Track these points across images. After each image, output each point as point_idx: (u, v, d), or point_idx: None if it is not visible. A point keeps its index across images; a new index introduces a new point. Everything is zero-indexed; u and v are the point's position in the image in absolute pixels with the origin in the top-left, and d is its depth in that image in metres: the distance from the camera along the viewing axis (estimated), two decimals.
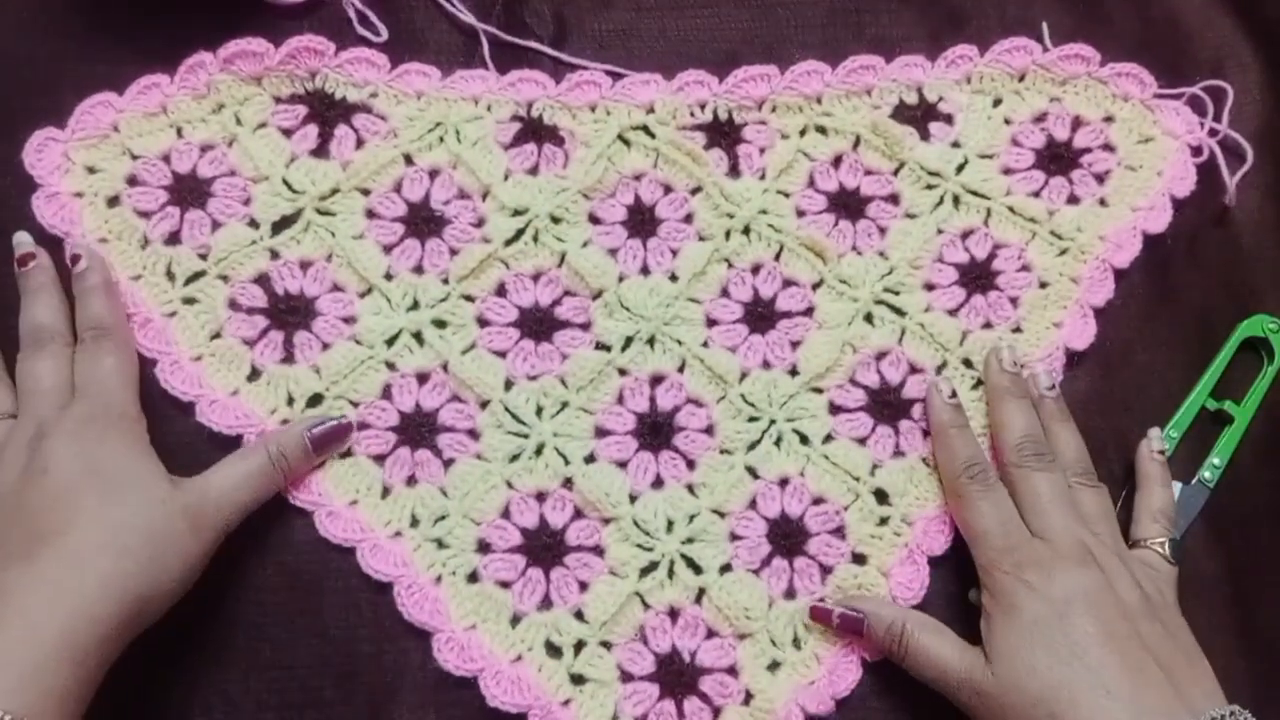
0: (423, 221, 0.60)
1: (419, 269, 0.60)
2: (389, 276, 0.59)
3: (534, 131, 0.62)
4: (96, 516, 0.49)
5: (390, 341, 0.59)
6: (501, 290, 0.60)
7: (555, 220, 0.60)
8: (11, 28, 0.62)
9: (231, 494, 0.53)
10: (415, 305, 0.59)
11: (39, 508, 0.49)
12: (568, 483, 0.57)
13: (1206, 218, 0.63)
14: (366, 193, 0.60)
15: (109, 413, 0.53)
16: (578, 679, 0.55)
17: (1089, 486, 0.56)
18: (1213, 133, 0.63)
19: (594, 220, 0.61)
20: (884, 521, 0.58)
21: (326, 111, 0.61)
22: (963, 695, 0.51)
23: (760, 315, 0.60)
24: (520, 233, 0.60)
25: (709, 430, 0.58)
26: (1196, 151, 0.63)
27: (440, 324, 0.59)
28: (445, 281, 0.59)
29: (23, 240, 0.58)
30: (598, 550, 0.56)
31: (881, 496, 0.58)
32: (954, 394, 0.58)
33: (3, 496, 0.50)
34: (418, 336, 0.59)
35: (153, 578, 0.49)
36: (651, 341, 0.59)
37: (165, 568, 0.50)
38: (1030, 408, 0.57)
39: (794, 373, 0.59)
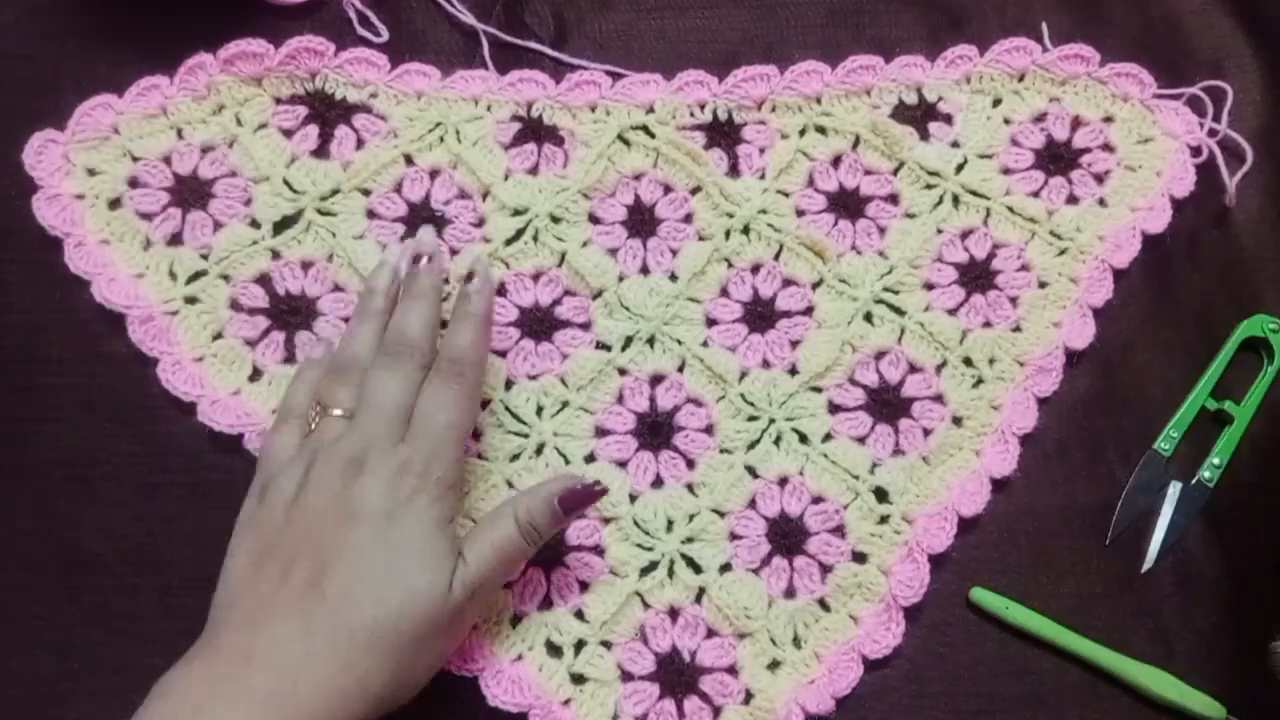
0: (423, 221, 0.60)
1: None
2: None
3: (534, 131, 0.62)
4: (377, 601, 0.47)
5: None
6: (502, 290, 0.60)
7: (555, 220, 0.61)
8: (11, 28, 0.62)
9: (489, 580, 0.51)
10: None
11: (331, 557, 0.47)
12: None
13: (1206, 218, 0.63)
14: (367, 193, 0.61)
15: (429, 471, 0.50)
16: (578, 678, 0.55)
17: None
18: (1212, 133, 0.63)
19: (594, 220, 0.61)
20: (884, 520, 0.57)
21: (327, 112, 0.61)
22: None
23: (760, 315, 0.60)
24: (520, 232, 0.60)
25: (709, 430, 0.58)
26: (1196, 152, 0.63)
27: (440, 324, 0.59)
28: (446, 281, 0.59)
29: (426, 240, 0.56)
30: (598, 550, 0.56)
31: (881, 495, 0.58)
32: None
33: (304, 514, 0.49)
34: None
35: (405, 679, 0.48)
36: (651, 341, 0.59)
37: (419, 669, 0.49)
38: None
39: (793, 372, 0.59)
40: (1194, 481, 0.59)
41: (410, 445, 0.50)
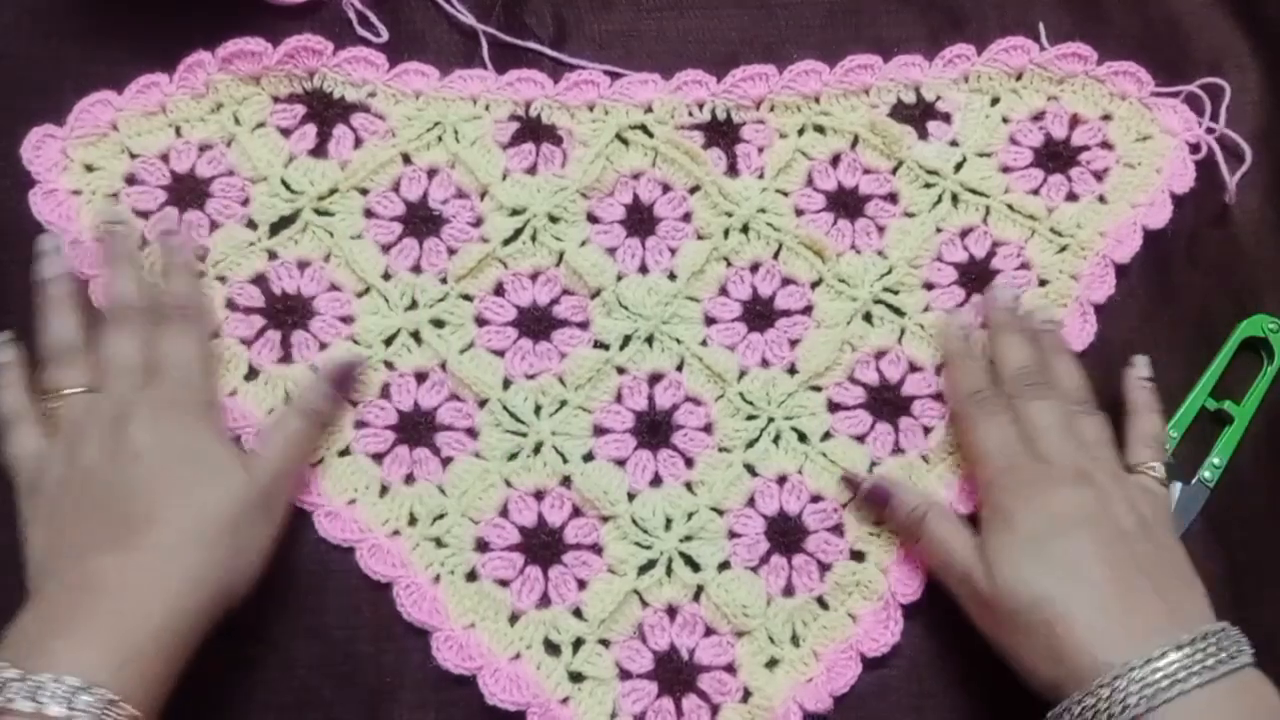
0: (421, 221, 0.60)
1: (417, 268, 0.60)
2: (387, 276, 0.60)
3: (532, 131, 0.62)
4: (184, 506, 0.50)
5: (388, 341, 0.59)
6: (500, 289, 0.60)
7: (553, 219, 0.61)
8: (11, 28, 0.62)
9: (287, 466, 0.54)
10: (413, 305, 0.59)
11: (128, 493, 0.49)
12: (566, 481, 0.57)
13: (1206, 217, 0.63)
14: (365, 192, 0.61)
15: (191, 398, 0.53)
16: (576, 677, 0.55)
17: (1087, 415, 0.56)
18: (1210, 131, 0.63)
19: (592, 219, 0.61)
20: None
21: (325, 111, 0.61)
22: (963, 590, 0.52)
23: (759, 314, 0.60)
24: (518, 232, 0.60)
25: (707, 428, 0.58)
26: (1194, 149, 0.63)
27: (438, 323, 0.59)
28: (443, 281, 0.59)
29: (107, 209, 0.59)
30: (596, 548, 0.56)
31: None
32: (965, 326, 0.59)
33: (89, 473, 0.50)
34: (416, 336, 0.59)
35: (236, 567, 0.50)
36: (650, 340, 0.59)
37: (247, 556, 0.51)
38: (1027, 341, 0.57)
39: (793, 371, 0.59)
40: (1194, 481, 0.59)
41: (162, 386, 0.53)
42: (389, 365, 0.58)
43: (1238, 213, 0.63)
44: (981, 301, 0.60)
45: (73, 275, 0.57)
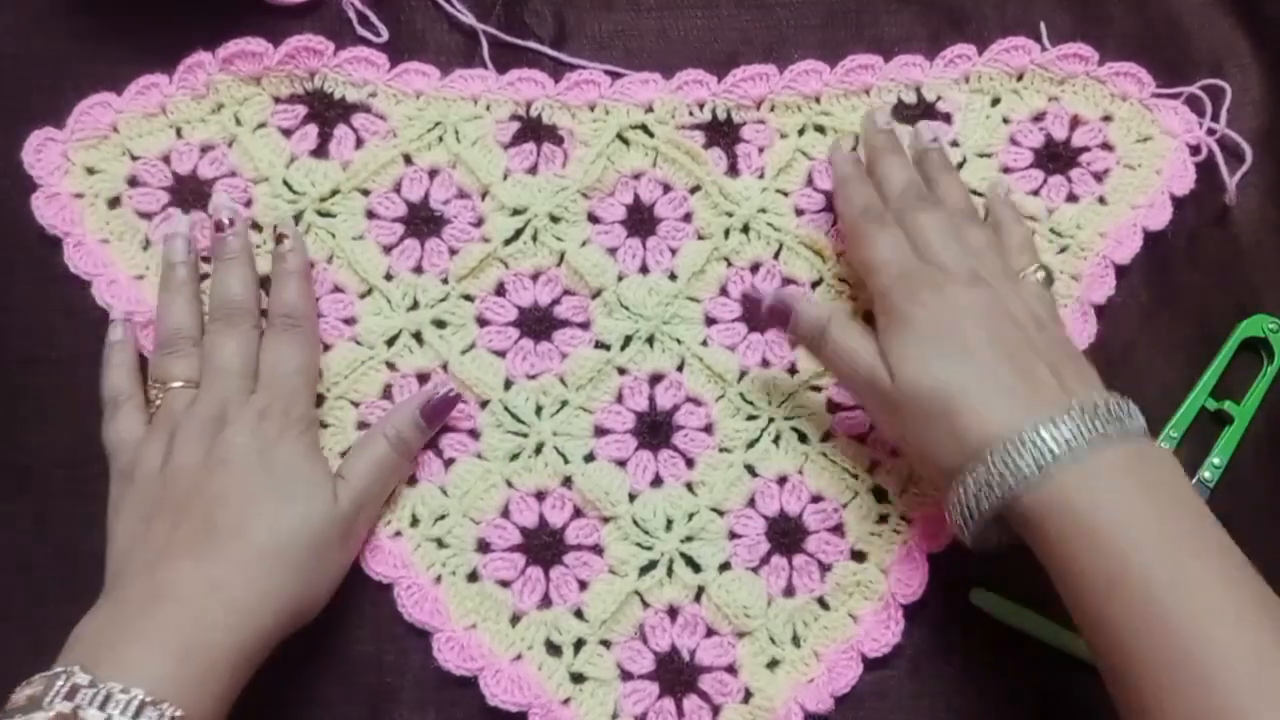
0: (422, 222, 0.60)
1: (419, 269, 0.60)
2: (389, 277, 0.60)
3: (533, 131, 0.62)
4: (270, 524, 0.49)
5: (390, 342, 0.59)
6: (501, 290, 0.60)
7: (554, 219, 0.61)
8: (11, 28, 0.62)
9: (370, 493, 0.54)
10: (415, 305, 0.59)
11: (216, 500, 0.49)
12: (567, 481, 0.57)
13: (1206, 217, 0.63)
14: (366, 193, 0.61)
15: (289, 411, 0.53)
16: (577, 677, 0.55)
17: (974, 224, 0.56)
18: (1211, 132, 0.63)
19: (593, 219, 0.61)
20: (883, 519, 0.57)
21: (326, 111, 0.61)
22: (869, 395, 0.53)
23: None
24: (519, 232, 0.60)
25: (708, 429, 0.58)
26: (1195, 151, 0.63)
27: (440, 324, 0.59)
28: (445, 281, 0.59)
29: (222, 204, 0.58)
30: (597, 549, 0.56)
31: (880, 494, 0.58)
32: (855, 145, 0.60)
33: (180, 473, 0.51)
34: (418, 336, 0.59)
35: (310, 592, 0.51)
36: (651, 340, 0.59)
37: (322, 581, 0.52)
38: (908, 162, 0.58)
39: (793, 371, 0.59)
40: (1194, 481, 0.59)
41: (264, 395, 0.53)
42: (391, 366, 0.58)
43: (1238, 213, 0.63)
44: (861, 125, 0.61)
45: (196, 261, 0.58)
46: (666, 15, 0.65)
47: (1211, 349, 0.61)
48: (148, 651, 0.45)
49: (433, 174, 0.61)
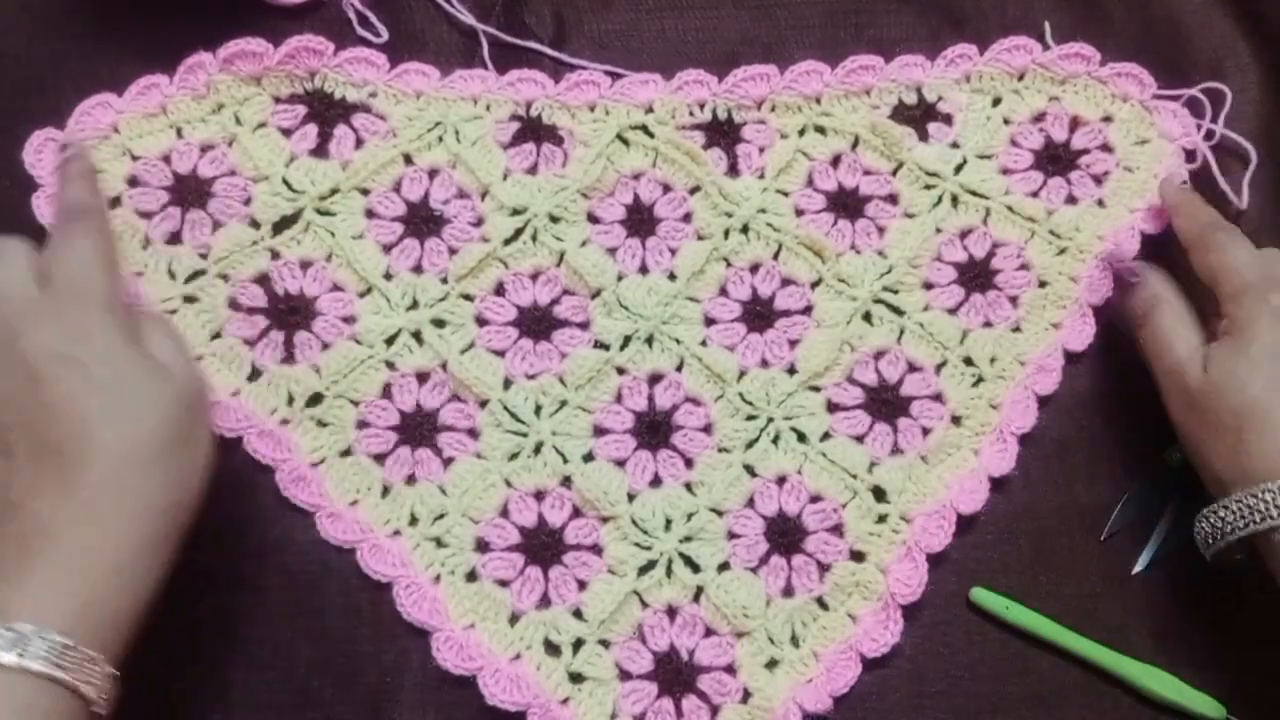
0: (422, 221, 0.60)
1: (418, 268, 0.60)
2: (388, 276, 0.60)
3: (533, 131, 0.62)
4: (115, 431, 0.46)
5: (390, 341, 0.59)
6: (500, 289, 0.60)
7: (554, 219, 0.60)
8: (11, 28, 0.62)
9: (190, 356, 0.51)
10: (414, 305, 0.59)
11: (44, 421, 0.46)
12: (566, 481, 0.57)
13: None
14: (366, 192, 0.61)
15: (86, 300, 0.48)
16: (576, 677, 0.55)
17: None
18: (1210, 134, 0.63)
19: (593, 219, 0.61)
20: (882, 519, 0.57)
21: (326, 111, 0.61)
22: (1168, 381, 0.55)
23: (759, 314, 0.60)
24: (519, 232, 0.60)
25: (707, 429, 0.58)
26: (1191, 156, 0.63)
27: (439, 323, 0.59)
28: (444, 281, 0.59)
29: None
30: (596, 549, 0.57)
31: (879, 494, 0.58)
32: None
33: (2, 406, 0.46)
34: (417, 336, 0.59)
35: (182, 482, 0.47)
36: (650, 340, 0.59)
37: (190, 468, 0.48)
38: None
39: (792, 371, 0.59)
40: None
41: (51, 289, 0.48)
42: (390, 365, 0.58)
43: (1235, 216, 0.63)
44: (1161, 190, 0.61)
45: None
46: (666, 15, 0.65)
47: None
48: (29, 590, 0.43)
49: (432, 174, 0.61)
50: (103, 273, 0.49)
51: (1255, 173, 0.63)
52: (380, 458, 0.58)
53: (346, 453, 0.57)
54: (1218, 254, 0.55)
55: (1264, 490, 0.48)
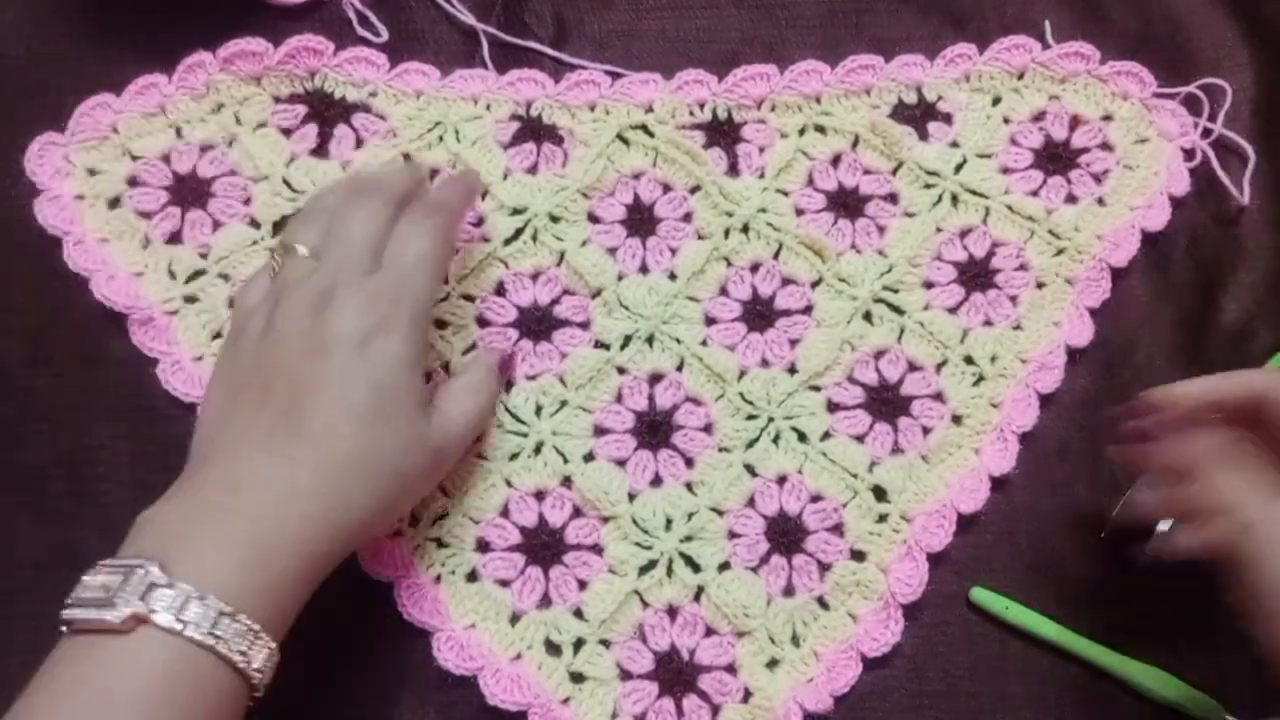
0: None
1: None
2: None
3: (533, 131, 0.62)
4: (360, 437, 0.46)
5: None
6: (501, 290, 0.60)
7: (554, 219, 0.60)
8: (11, 28, 0.63)
9: (469, 431, 0.53)
10: None
11: (307, 390, 0.46)
12: (567, 481, 0.57)
13: (1207, 217, 0.63)
14: None
15: (401, 299, 0.49)
16: (577, 677, 0.55)
17: None
18: (1208, 132, 0.63)
19: (593, 219, 0.61)
20: (883, 519, 0.57)
21: (326, 111, 0.61)
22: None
23: (759, 314, 0.60)
24: (519, 232, 0.60)
25: (707, 428, 0.58)
26: (1189, 155, 0.63)
27: (441, 324, 0.59)
28: (445, 281, 0.59)
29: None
30: (596, 549, 0.56)
31: (880, 494, 0.58)
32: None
33: (274, 347, 0.48)
34: None
35: (381, 517, 0.49)
36: (650, 340, 0.59)
37: (396, 508, 0.50)
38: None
39: (793, 371, 0.59)
40: None
41: (380, 276, 0.49)
42: None
43: (1237, 212, 0.63)
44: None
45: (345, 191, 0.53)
46: (666, 15, 0.65)
47: (1211, 349, 0.61)
48: (220, 552, 0.43)
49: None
50: (428, 279, 0.50)
51: (1254, 172, 0.63)
52: None
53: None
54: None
55: None
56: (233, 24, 0.61)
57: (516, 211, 0.60)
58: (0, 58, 0.62)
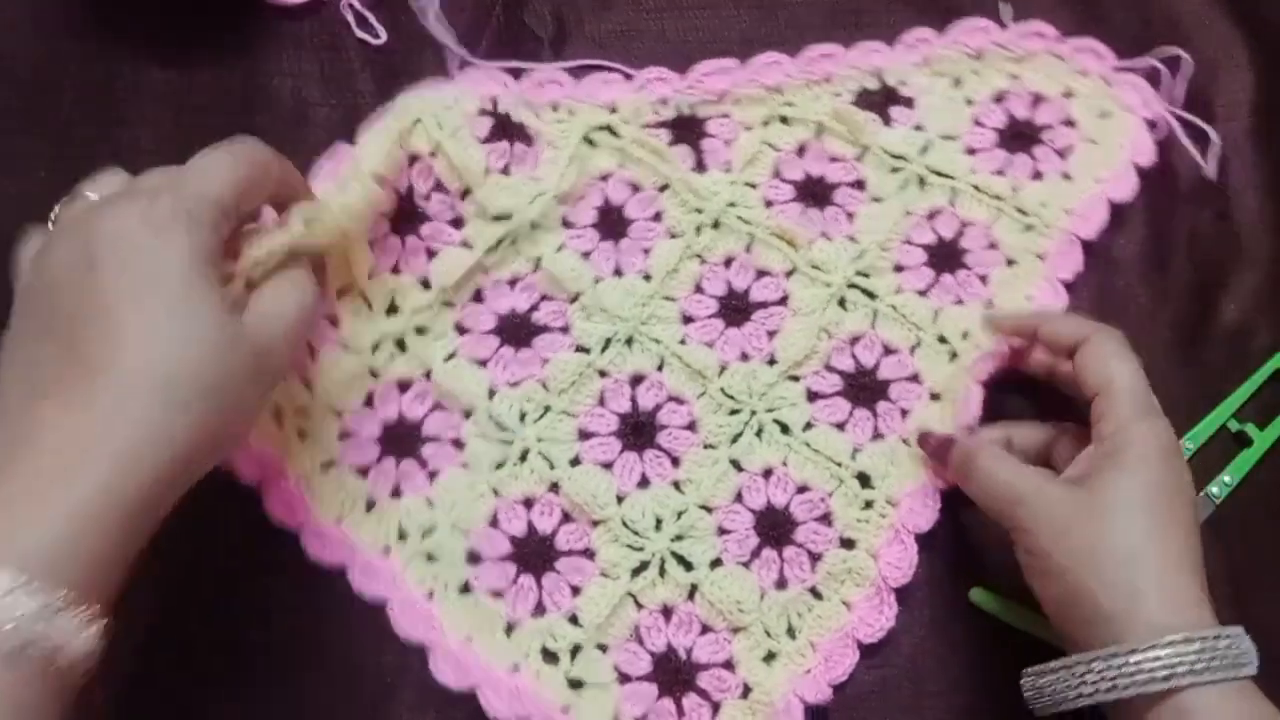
0: (406, 220, 0.59)
1: (396, 269, 0.59)
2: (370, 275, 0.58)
3: (504, 128, 0.61)
4: (149, 352, 0.40)
5: (373, 348, 0.58)
6: (479, 296, 0.60)
7: (533, 226, 0.60)
8: (11, 28, 0.62)
9: (293, 332, 0.46)
10: (394, 309, 0.58)
11: (84, 313, 0.40)
12: (554, 487, 0.57)
13: (1207, 217, 0.64)
14: None
15: (182, 197, 0.42)
16: (576, 683, 0.55)
17: None
18: (1172, 104, 0.64)
19: (566, 224, 0.61)
20: (869, 505, 0.57)
21: None
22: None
23: (735, 308, 0.60)
24: (500, 241, 0.59)
25: (691, 426, 0.58)
26: (1153, 125, 0.63)
27: (420, 330, 0.59)
28: (425, 285, 0.59)
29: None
30: (588, 553, 0.56)
31: (864, 480, 0.58)
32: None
33: (45, 271, 0.42)
34: (400, 343, 0.58)
35: (207, 435, 0.41)
36: (630, 342, 0.59)
37: (220, 424, 0.42)
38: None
39: (772, 362, 0.59)
40: (1200, 495, 0.58)
41: (161, 176, 0.43)
42: (373, 374, 0.58)
43: (1237, 212, 0.64)
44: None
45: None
46: (666, 15, 0.65)
47: (1209, 349, 0.62)
48: (14, 517, 0.38)
49: (412, 159, 0.59)
50: (220, 191, 0.43)
51: (1254, 171, 0.64)
52: (364, 471, 0.57)
53: (329, 465, 0.57)
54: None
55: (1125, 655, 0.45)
56: (233, 24, 0.61)
57: (499, 219, 0.60)
58: (0, 58, 0.62)
